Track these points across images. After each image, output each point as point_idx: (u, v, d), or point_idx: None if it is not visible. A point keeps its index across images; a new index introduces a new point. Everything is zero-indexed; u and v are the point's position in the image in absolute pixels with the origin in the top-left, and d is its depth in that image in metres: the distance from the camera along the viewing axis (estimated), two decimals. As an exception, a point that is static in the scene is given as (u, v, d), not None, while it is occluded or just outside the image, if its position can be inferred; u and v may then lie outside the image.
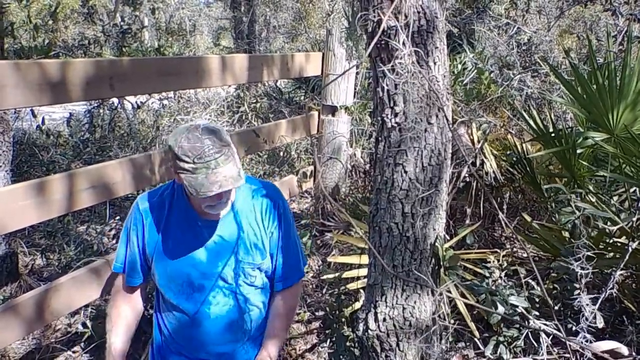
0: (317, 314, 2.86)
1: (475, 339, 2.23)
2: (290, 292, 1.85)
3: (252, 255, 1.73)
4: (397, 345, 1.65)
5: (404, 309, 1.63)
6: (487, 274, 2.06)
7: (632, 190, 2.47)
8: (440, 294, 1.50)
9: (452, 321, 1.68)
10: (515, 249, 2.96)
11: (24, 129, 5.41)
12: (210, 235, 1.71)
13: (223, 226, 1.72)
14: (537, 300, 2.08)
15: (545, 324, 1.43)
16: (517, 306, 1.93)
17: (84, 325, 2.43)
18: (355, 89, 3.91)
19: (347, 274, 2.60)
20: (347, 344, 2.14)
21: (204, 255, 1.70)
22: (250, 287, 1.77)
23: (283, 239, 1.80)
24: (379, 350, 1.68)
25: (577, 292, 1.72)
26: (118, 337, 1.75)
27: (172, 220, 1.71)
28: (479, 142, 3.04)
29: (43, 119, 4.32)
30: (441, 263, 1.67)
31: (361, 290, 2.51)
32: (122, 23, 4.81)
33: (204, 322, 1.73)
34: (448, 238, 2.60)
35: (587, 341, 1.47)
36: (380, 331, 1.65)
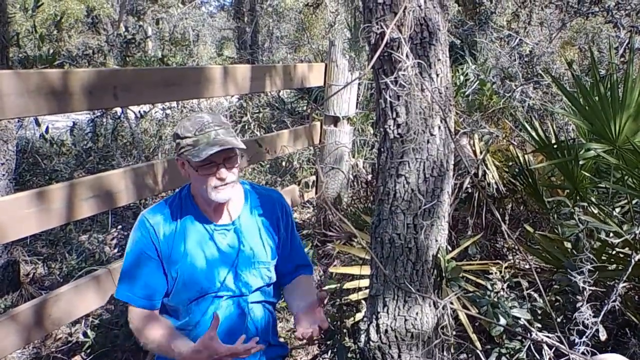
0: (318, 324, 2.85)
1: (477, 351, 2.21)
2: (309, 279, 1.90)
3: (266, 254, 1.77)
4: (399, 356, 1.64)
5: (405, 320, 1.62)
6: (489, 286, 2.05)
7: (634, 201, 2.46)
8: (444, 306, 1.50)
9: (453, 332, 1.67)
10: (517, 261, 2.95)
11: (27, 137, 5.44)
12: (224, 241, 1.71)
13: (234, 232, 1.73)
14: (539, 312, 2.06)
15: (547, 336, 1.42)
16: (519, 318, 1.92)
17: (85, 334, 2.42)
18: (357, 99, 3.92)
19: (349, 285, 2.59)
20: (349, 355, 2.12)
21: (218, 263, 1.70)
22: (258, 294, 1.77)
23: (291, 240, 1.86)
24: (380, 362, 1.67)
25: (579, 304, 1.71)
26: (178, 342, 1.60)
27: (184, 230, 1.70)
28: (481, 153, 3.05)
29: (47, 127, 4.33)
30: (443, 274, 1.66)
31: (363, 301, 2.50)
32: (126, 33, 4.83)
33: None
34: (450, 249, 2.59)
35: (589, 354, 1.46)
36: (382, 342, 1.64)
